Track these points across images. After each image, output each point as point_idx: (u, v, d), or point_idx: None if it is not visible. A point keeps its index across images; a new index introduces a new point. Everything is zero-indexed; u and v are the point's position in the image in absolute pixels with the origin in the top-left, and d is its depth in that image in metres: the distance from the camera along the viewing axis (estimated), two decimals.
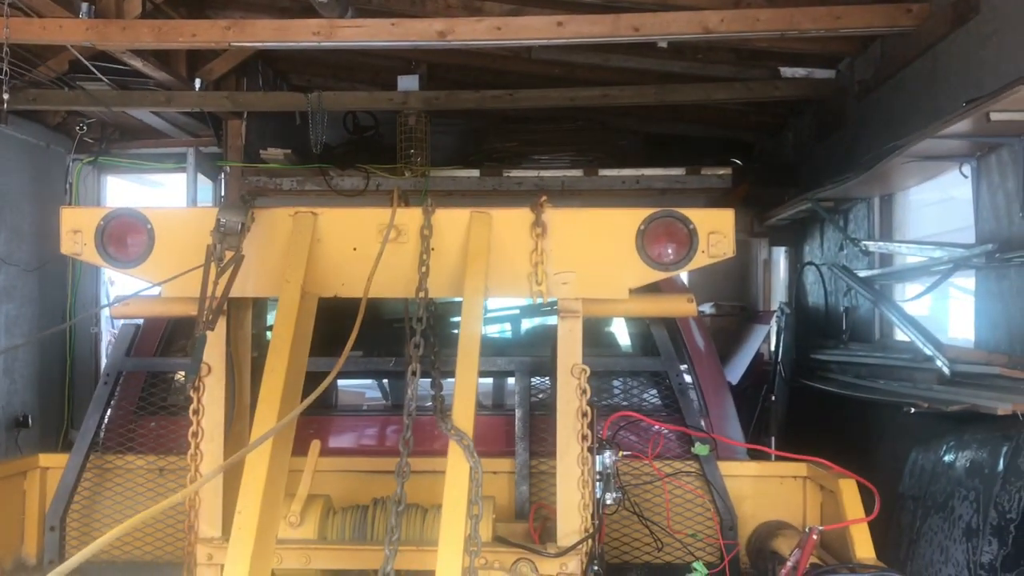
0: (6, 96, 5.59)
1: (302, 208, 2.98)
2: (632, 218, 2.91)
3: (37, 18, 5.70)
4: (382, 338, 3.97)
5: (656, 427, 3.34)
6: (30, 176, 8.04)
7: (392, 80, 7.80)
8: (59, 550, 3.30)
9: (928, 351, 4.65)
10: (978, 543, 3.48)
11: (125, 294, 3.31)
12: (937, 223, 5.68)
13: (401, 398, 2.97)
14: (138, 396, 3.74)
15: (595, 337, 4.08)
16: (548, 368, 3.41)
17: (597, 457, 2.91)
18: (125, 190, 10.69)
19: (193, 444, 2.93)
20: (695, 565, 2.97)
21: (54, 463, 3.51)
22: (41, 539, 3.40)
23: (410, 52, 7.53)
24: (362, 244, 2.92)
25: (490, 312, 5.83)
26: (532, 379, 3.62)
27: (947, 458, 3.93)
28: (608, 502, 2.92)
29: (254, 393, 2.91)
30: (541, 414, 3.50)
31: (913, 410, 4.18)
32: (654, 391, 3.73)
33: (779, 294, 9.06)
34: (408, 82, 7.69)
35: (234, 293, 2.75)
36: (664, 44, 6.29)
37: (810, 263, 7.48)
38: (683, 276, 4.02)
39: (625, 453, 3.01)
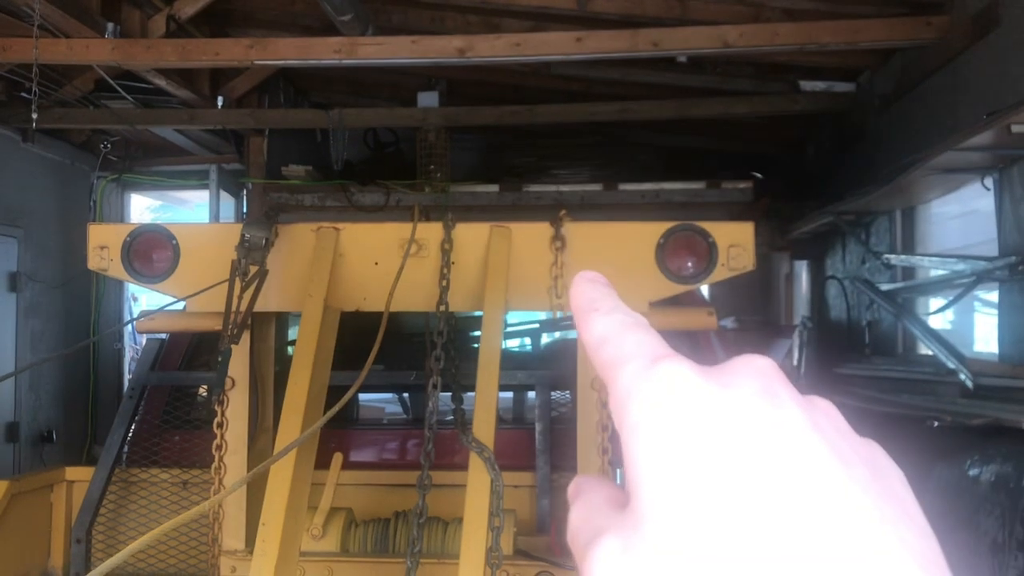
0: (35, 115, 5.68)
1: (325, 224, 3.01)
2: (652, 231, 2.92)
3: (64, 39, 5.80)
4: (403, 352, 3.99)
5: None
6: (55, 194, 8.16)
7: (412, 97, 7.86)
8: (85, 562, 3.33)
9: (951, 364, 4.61)
10: (1005, 558, 3.44)
11: (150, 309, 3.36)
12: (960, 236, 5.65)
13: (422, 412, 2.99)
14: (162, 410, 3.78)
15: None
16: (568, 382, 3.41)
17: (617, 471, 2.91)
18: (148, 208, 10.81)
19: (217, 457, 2.95)
20: None
21: (80, 476, 3.54)
22: (68, 551, 3.43)
23: (430, 69, 7.59)
24: (383, 259, 2.95)
25: (510, 326, 5.84)
26: (552, 393, 3.62)
27: (971, 472, 3.90)
28: None
29: (277, 407, 2.94)
30: (561, 428, 3.50)
31: (936, 424, 4.15)
32: None
33: (801, 308, 9.02)
34: (428, 98, 7.74)
35: (258, 308, 2.78)
36: (683, 59, 6.31)
37: (832, 277, 7.44)
38: (704, 290, 4.02)
39: None
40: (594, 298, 0.44)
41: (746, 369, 0.39)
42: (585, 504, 0.40)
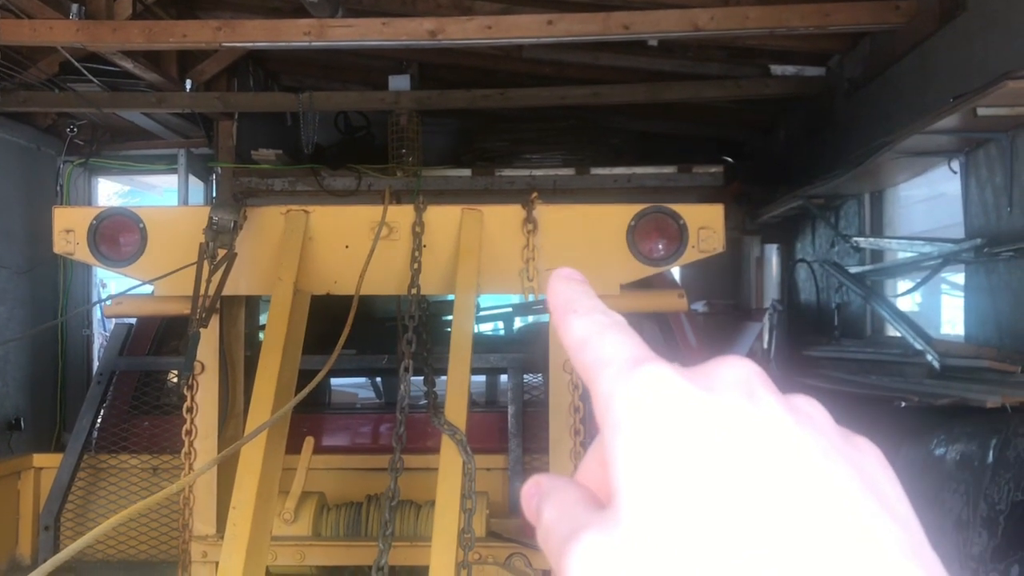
0: None
1: (294, 206, 2.99)
2: (623, 214, 2.93)
3: (27, 19, 5.70)
4: (375, 336, 3.98)
5: None
6: (20, 179, 8.03)
7: (383, 80, 7.81)
8: (53, 550, 3.30)
9: (918, 346, 4.68)
10: (968, 535, 3.50)
11: (117, 293, 3.32)
12: (927, 219, 5.71)
13: (394, 395, 2.99)
14: (131, 395, 3.74)
15: None
16: (541, 365, 3.42)
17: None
18: (116, 193, 10.68)
19: (187, 442, 2.94)
20: None
21: (48, 463, 3.51)
22: (36, 539, 3.40)
23: (401, 52, 7.54)
24: (354, 242, 2.94)
25: (483, 310, 5.84)
26: (525, 376, 3.63)
27: (937, 451, 3.96)
28: None
29: (247, 391, 2.92)
30: (534, 410, 3.51)
31: (904, 404, 4.20)
32: None
33: (771, 291, 9.09)
34: (399, 82, 7.70)
35: (227, 291, 2.76)
36: (655, 42, 6.32)
37: (802, 260, 7.51)
38: (675, 273, 4.04)
39: None
40: (571, 298, 0.44)
41: (727, 370, 0.39)
42: (558, 503, 0.40)
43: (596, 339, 0.41)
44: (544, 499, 0.41)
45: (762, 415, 0.37)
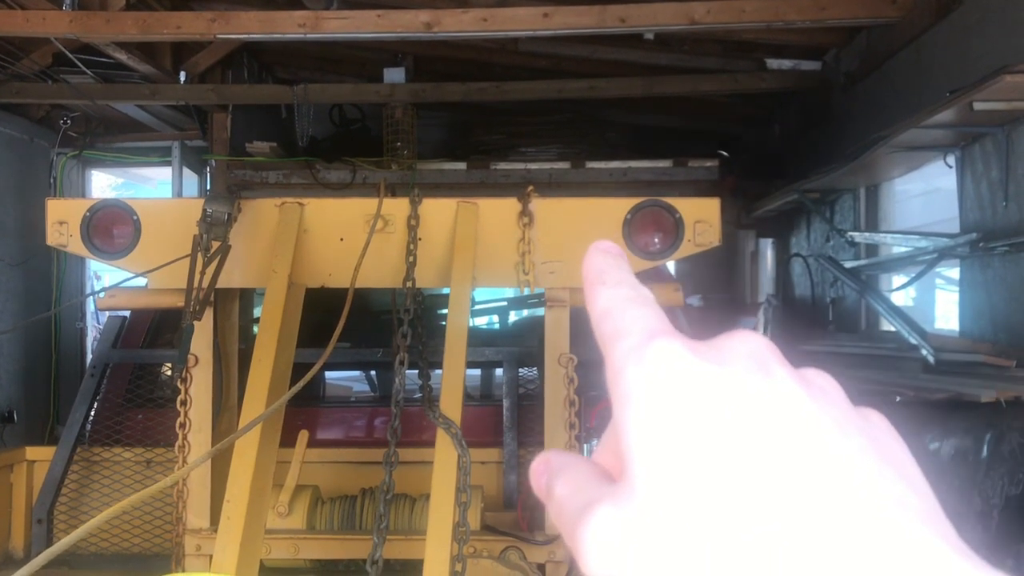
0: None
1: (289, 199, 2.98)
2: (619, 207, 2.92)
3: (20, 10, 5.66)
4: (370, 329, 3.97)
5: None
6: (14, 170, 7.99)
7: (378, 73, 7.78)
8: (46, 543, 3.29)
9: (913, 340, 4.68)
10: (962, 529, 3.51)
11: (111, 285, 3.30)
12: (922, 214, 5.72)
13: (389, 389, 2.98)
14: (125, 388, 3.73)
15: (583, 327, 4.09)
16: (536, 358, 3.42)
17: (584, 446, 2.93)
18: (110, 185, 10.63)
19: (181, 435, 2.92)
20: None
21: (41, 456, 3.50)
22: (28, 532, 3.39)
23: (396, 44, 7.52)
24: (349, 234, 2.92)
25: (478, 304, 5.83)
26: (520, 369, 3.63)
27: (932, 446, 3.96)
28: None
29: (241, 385, 2.91)
30: (529, 404, 3.51)
31: (899, 399, 4.21)
32: None
33: (766, 285, 9.11)
34: (394, 74, 7.67)
35: (221, 284, 2.75)
36: (651, 36, 6.31)
37: (797, 254, 7.51)
38: (671, 267, 4.04)
39: None
40: (603, 270, 0.44)
41: (739, 344, 0.39)
42: (571, 479, 0.40)
43: (618, 311, 0.41)
44: (555, 475, 0.41)
45: (774, 387, 0.37)
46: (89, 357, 8.62)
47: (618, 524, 0.35)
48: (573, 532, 0.37)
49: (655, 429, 0.36)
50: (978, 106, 3.84)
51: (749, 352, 0.39)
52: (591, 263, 0.45)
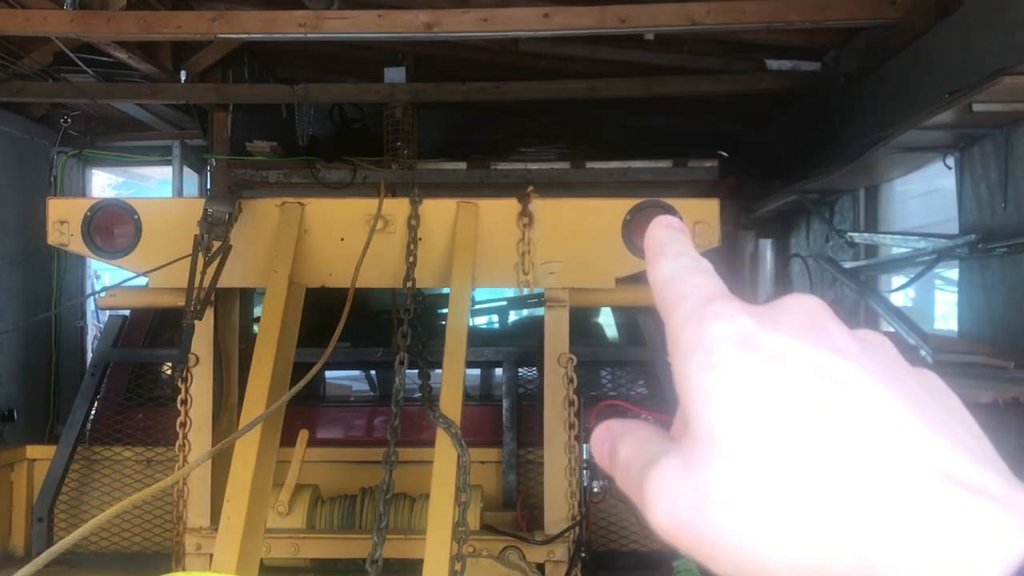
0: None
1: (289, 198, 2.98)
2: (618, 208, 2.93)
3: (21, 9, 5.67)
4: (370, 329, 3.98)
5: (643, 415, 3.36)
6: (14, 169, 7.99)
7: (379, 72, 7.78)
8: (47, 541, 3.30)
9: (912, 341, 4.68)
10: None
11: (112, 285, 3.31)
12: (922, 215, 5.72)
13: (389, 389, 2.99)
14: (125, 387, 3.74)
15: (582, 327, 4.10)
16: (535, 358, 3.43)
17: (584, 446, 2.93)
18: (110, 184, 10.63)
19: (181, 434, 2.93)
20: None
21: (41, 455, 3.51)
22: (29, 531, 3.40)
23: (397, 44, 7.52)
24: (349, 234, 2.93)
25: (477, 304, 5.84)
26: (519, 369, 3.63)
27: None
28: (595, 490, 2.94)
29: (242, 384, 2.91)
30: (528, 404, 3.51)
31: None
32: (641, 380, 3.75)
33: (766, 286, 9.10)
34: (395, 74, 7.67)
35: (221, 283, 2.75)
36: (651, 36, 6.31)
37: (796, 255, 7.51)
38: None
39: None
40: (664, 242, 0.46)
41: (795, 305, 0.41)
42: (633, 440, 0.42)
43: (679, 278, 0.43)
44: (618, 440, 0.43)
45: (829, 345, 0.38)
46: (89, 356, 8.62)
47: (683, 476, 0.37)
48: (639, 488, 0.39)
49: (715, 386, 0.37)
50: (977, 107, 3.84)
51: (806, 312, 0.40)
52: (654, 235, 0.47)
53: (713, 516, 0.36)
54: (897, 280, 5.80)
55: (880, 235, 6.02)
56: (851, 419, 0.35)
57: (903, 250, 5.43)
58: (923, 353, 4.53)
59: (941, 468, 0.34)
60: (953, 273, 4.89)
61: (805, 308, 0.41)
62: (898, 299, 5.62)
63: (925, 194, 5.66)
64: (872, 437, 0.35)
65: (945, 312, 5.35)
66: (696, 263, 0.44)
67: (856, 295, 6.02)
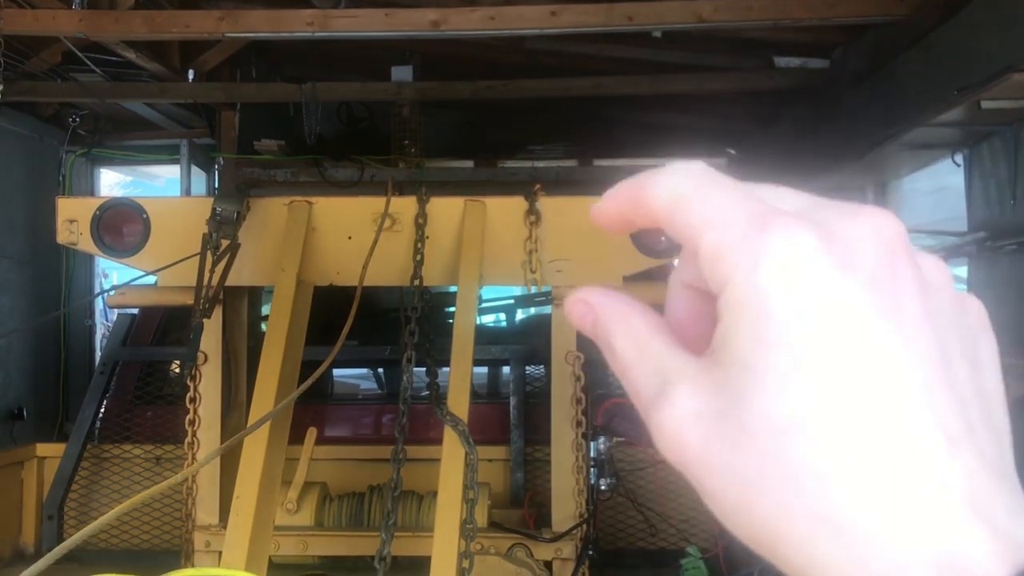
0: (0, 88, 5.57)
1: (297, 197, 2.99)
2: None
3: (30, 9, 5.69)
4: (378, 328, 3.98)
5: None
6: (23, 168, 8.02)
7: (386, 71, 7.78)
8: (57, 539, 3.32)
9: None
10: None
11: (120, 283, 3.33)
12: (931, 212, 5.70)
13: (396, 387, 3.00)
14: (134, 386, 3.75)
15: None
16: (543, 356, 3.43)
17: (591, 444, 2.93)
18: (118, 183, 10.66)
19: (190, 432, 2.94)
20: (689, 549, 3.00)
21: (51, 452, 3.52)
22: (39, 528, 3.41)
23: (404, 43, 7.53)
24: (357, 233, 2.94)
25: (485, 302, 5.84)
26: (527, 367, 3.64)
27: None
28: (602, 488, 2.94)
29: (250, 382, 2.92)
30: (536, 402, 3.52)
31: None
32: None
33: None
34: (402, 72, 7.68)
35: (230, 282, 2.76)
36: (658, 34, 6.29)
37: None
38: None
39: (619, 439, 3.03)
40: (634, 185, 0.41)
41: (872, 236, 0.35)
42: (633, 337, 0.38)
43: (695, 198, 0.38)
44: (613, 327, 0.38)
45: (897, 309, 0.34)
46: (98, 355, 8.65)
47: (700, 419, 0.34)
48: (648, 412, 0.36)
49: (762, 346, 0.34)
50: (986, 104, 3.83)
51: (882, 246, 0.35)
52: (610, 196, 0.41)
53: (724, 480, 0.34)
54: None
55: None
56: (886, 437, 0.33)
57: None
58: None
59: (950, 500, 0.32)
60: (962, 271, 4.87)
61: (883, 239, 0.35)
62: None
63: (934, 192, 5.64)
64: (895, 460, 0.33)
65: None
66: (705, 168, 0.39)
67: None
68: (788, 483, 0.33)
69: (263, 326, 3.27)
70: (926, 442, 0.33)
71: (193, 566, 2.87)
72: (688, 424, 0.35)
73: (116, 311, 4.13)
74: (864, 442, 0.32)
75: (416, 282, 2.77)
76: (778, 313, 0.34)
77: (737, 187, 0.38)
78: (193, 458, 2.94)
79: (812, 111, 7.58)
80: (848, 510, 0.32)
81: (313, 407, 3.70)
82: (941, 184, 5.37)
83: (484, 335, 4.30)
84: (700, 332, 0.38)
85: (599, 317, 0.39)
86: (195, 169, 8.74)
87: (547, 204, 2.94)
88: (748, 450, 0.33)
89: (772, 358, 0.33)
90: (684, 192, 0.38)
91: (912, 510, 0.32)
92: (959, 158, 4.67)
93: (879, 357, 0.33)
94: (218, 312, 2.92)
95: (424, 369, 3.01)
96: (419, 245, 2.84)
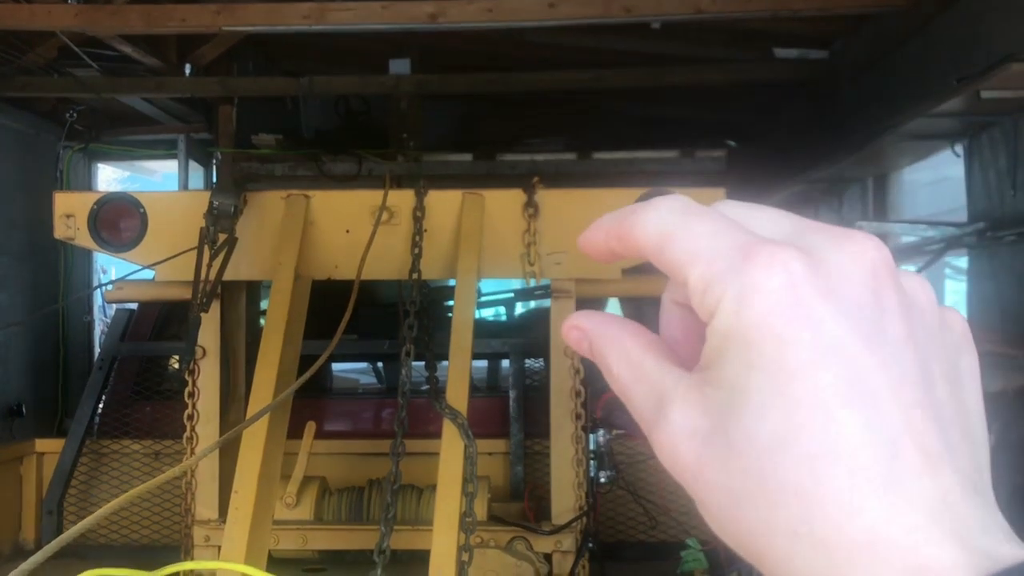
0: None
1: (295, 191, 2.98)
2: (624, 197, 2.91)
3: (25, 3, 5.67)
4: (376, 321, 3.97)
5: None
6: (20, 164, 8.00)
7: (383, 64, 7.76)
8: (57, 534, 3.30)
9: None
10: None
11: (118, 278, 3.32)
12: (931, 203, 5.69)
13: (395, 380, 2.99)
14: (133, 381, 3.75)
15: None
16: (542, 349, 3.42)
17: (591, 436, 2.93)
18: (116, 179, 10.65)
19: (189, 427, 2.94)
20: (689, 541, 3.00)
21: (50, 448, 3.52)
22: (39, 524, 3.41)
23: (401, 36, 7.50)
24: (355, 226, 2.93)
25: (484, 296, 5.84)
26: (526, 360, 3.63)
27: None
28: (602, 480, 2.94)
29: (248, 377, 2.92)
30: (535, 395, 3.51)
31: None
32: None
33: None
34: (399, 66, 7.65)
35: (228, 276, 2.75)
36: (657, 25, 6.27)
37: None
38: None
39: (619, 432, 3.02)
40: (619, 216, 0.42)
41: (857, 260, 0.36)
42: (627, 357, 0.39)
43: (681, 232, 0.38)
44: (608, 349, 0.40)
45: (880, 336, 0.35)
46: (96, 350, 8.65)
47: (692, 438, 0.36)
48: (647, 428, 0.38)
49: (748, 371, 0.35)
50: (986, 95, 3.82)
51: (867, 271, 0.36)
52: (595, 226, 0.43)
53: (714, 494, 0.36)
54: (906, 269, 5.78)
55: (889, 224, 5.99)
56: (866, 457, 0.34)
57: (912, 239, 5.41)
58: None
59: (926, 516, 0.33)
60: (962, 261, 4.87)
61: (866, 267, 0.36)
62: None
63: (934, 182, 5.64)
64: (874, 478, 0.34)
65: (954, 300, 5.32)
66: (687, 203, 0.39)
67: None
68: (770, 500, 0.34)
69: (261, 320, 3.27)
70: (903, 461, 0.34)
71: (192, 560, 2.87)
72: (683, 441, 0.37)
73: (115, 307, 4.12)
74: (843, 462, 0.34)
75: (414, 276, 2.76)
76: (763, 341, 0.35)
77: (721, 218, 0.39)
78: (192, 452, 2.93)
79: (811, 102, 7.56)
80: (826, 527, 0.33)
81: (312, 401, 3.70)
82: (941, 175, 5.36)
83: (483, 329, 4.30)
84: (693, 347, 0.40)
85: (593, 342, 0.41)
86: (193, 164, 8.72)
87: (546, 197, 2.93)
88: (735, 468, 0.35)
89: (757, 382, 0.35)
90: (669, 228, 0.39)
91: (888, 527, 0.33)
92: (959, 148, 4.66)
93: (860, 381, 0.35)
94: (216, 307, 2.91)
95: (423, 363, 3.00)
96: (417, 238, 2.83)
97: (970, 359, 0.41)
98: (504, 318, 6.29)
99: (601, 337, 0.41)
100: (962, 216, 4.66)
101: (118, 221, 2.96)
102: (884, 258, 0.37)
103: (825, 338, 0.34)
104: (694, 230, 0.38)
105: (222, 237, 2.72)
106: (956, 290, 5.25)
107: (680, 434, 0.37)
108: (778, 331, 0.35)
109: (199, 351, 2.95)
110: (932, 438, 0.35)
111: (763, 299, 0.35)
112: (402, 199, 2.92)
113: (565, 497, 2.86)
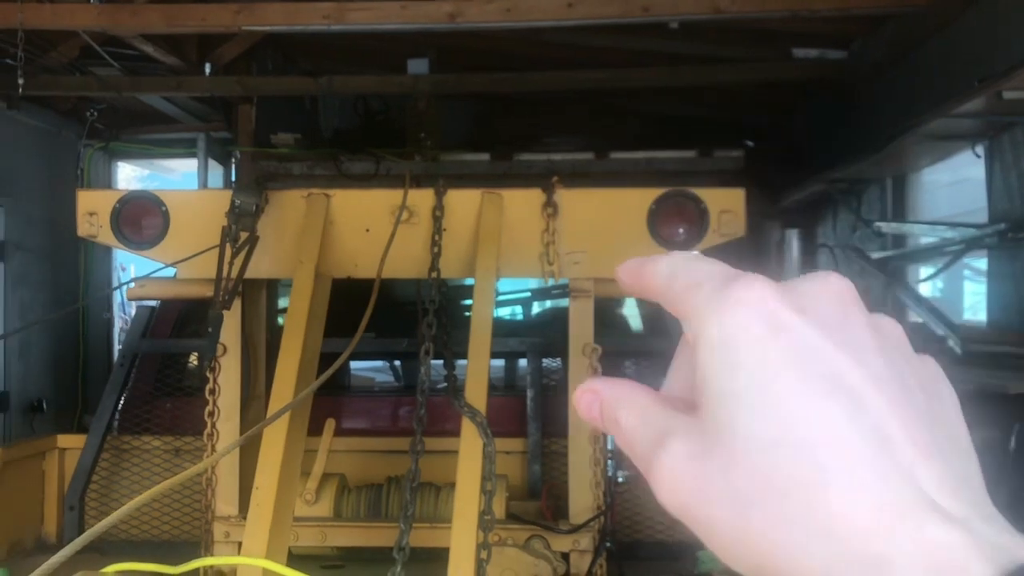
0: (20, 82, 5.61)
1: (315, 190, 3.00)
2: (643, 198, 2.92)
3: (49, 3, 5.72)
4: (395, 320, 3.99)
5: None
6: (42, 162, 8.08)
7: (402, 64, 7.78)
8: (78, 529, 3.34)
9: (940, 331, 4.64)
10: None
11: (140, 276, 3.35)
12: (950, 204, 5.66)
13: (414, 379, 3.01)
14: (154, 377, 3.78)
15: (607, 317, 4.09)
16: (560, 349, 3.43)
17: (608, 436, 2.93)
18: (136, 177, 10.72)
19: (209, 424, 2.96)
20: None
21: (72, 444, 3.55)
22: (61, 519, 3.45)
23: (420, 36, 7.51)
24: (375, 225, 2.94)
25: (502, 295, 5.84)
26: (543, 360, 3.64)
27: None
28: (620, 480, 2.94)
29: (269, 374, 2.94)
30: (553, 394, 3.52)
31: None
32: (665, 371, 3.74)
33: (793, 276, 9.03)
34: (417, 65, 7.67)
35: (249, 274, 2.78)
36: (675, 25, 6.26)
37: (823, 245, 7.46)
38: None
39: None
40: (642, 260, 0.46)
41: (823, 287, 0.41)
42: (636, 409, 0.42)
43: (683, 269, 0.42)
44: (616, 406, 0.42)
45: (850, 344, 0.38)
46: (116, 347, 8.72)
47: (692, 459, 0.38)
48: (647, 466, 0.40)
49: (734, 373, 0.37)
50: (1007, 95, 3.80)
51: (833, 295, 0.40)
52: (624, 266, 0.47)
53: (719, 508, 0.37)
54: (925, 270, 5.74)
55: (908, 225, 5.96)
56: (859, 442, 0.35)
57: (931, 240, 5.38)
58: (951, 343, 4.49)
59: (926, 499, 0.35)
60: (982, 263, 4.83)
61: (832, 291, 0.40)
62: (926, 289, 5.56)
63: (954, 183, 5.60)
64: (870, 462, 0.35)
65: (974, 302, 5.29)
66: (695, 254, 0.44)
67: (884, 285, 5.97)
68: (778, 494, 0.35)
69: (281, 318, 3.29)
70: (894, 448, 0.36)
71: (213, 556, 2.89)
72: (681, 464, 0.38)
73: (134, 304, 4.16)
74: (842, 450, 0.35)
75: (434, 274, 2.77)
76: (746, 344, 0.38)
77: (717, 262, 0.43)
78: (212, 449, 2.95)
79: (831, 102, 7.52)
80: (834, 513, 0.35)
81: (332, 398, 3.71)
82: (961, 176, 5.33)
83: (501, 328, 4.31)
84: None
85: (605, 400, 0.43)
86: (212, 163, 8.77)
87: (564, 196, 2.94)
88: (738, 471, 0.36)
89: (744, 382, 0.37)
90: (674, 271, 0.43)
91: (894, 509, 0.34)
92: (979, 149, 4.63)
93: (837, 376, 0.37)
94: (237, 304, 2.93)
95: (442, 361, 3.01)
96: (436, 237, 2.84)
97: (951, 396, 0.43)
98: (520, 317, 6.30)
99: (614, 395, 0.43)
100: (982, 217, 4.63)
101: (140, 219, 2.99)
102: (849, 287, 0.41)
103: (800, 341, 0.37)
104: (694, 269, 0.42)
105: (244, 235, 2.74)
106: (975, 292, 5.22)
107: (680, 458, 0.38)
108: (757, 332, 0.37)
109: (220, 348, 2.97)
110: (918, 431, 0.37)
111: (743, 309, 0.38)
112: (421, 198, 2.93)
113: (583, 496, 2.86)
